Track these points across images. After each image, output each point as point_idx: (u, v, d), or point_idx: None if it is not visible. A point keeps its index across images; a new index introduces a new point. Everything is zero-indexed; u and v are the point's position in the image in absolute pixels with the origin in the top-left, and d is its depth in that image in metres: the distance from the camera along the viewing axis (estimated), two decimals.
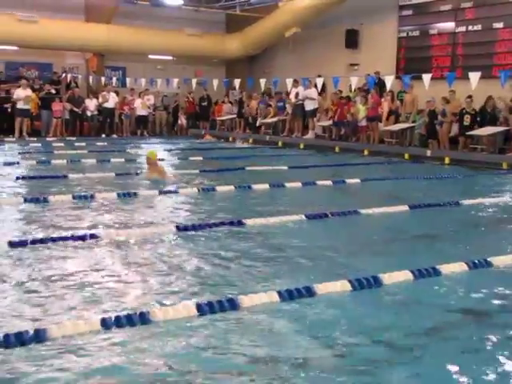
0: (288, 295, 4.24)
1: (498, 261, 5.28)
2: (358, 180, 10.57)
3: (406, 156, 14.96)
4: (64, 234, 6.00)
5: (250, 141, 19.14)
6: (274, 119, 19.86)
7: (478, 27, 16.88)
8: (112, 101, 20.53)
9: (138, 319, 3.74)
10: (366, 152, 15.88)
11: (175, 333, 3.66)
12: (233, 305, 4.04)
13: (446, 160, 14.08)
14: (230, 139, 20.00)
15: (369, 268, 5.01)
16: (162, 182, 9.73)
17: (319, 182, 10.13)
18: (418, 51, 18.50)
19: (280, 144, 18.19)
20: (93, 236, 5.90)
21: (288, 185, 9.80)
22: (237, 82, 20.47)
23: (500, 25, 16.32)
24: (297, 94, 18.63)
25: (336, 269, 5.06)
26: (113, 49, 21.71)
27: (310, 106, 18.23)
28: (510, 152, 13.93)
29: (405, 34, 18.91)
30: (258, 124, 20.34)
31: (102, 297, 4.27)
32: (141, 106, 21.16)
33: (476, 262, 5.15)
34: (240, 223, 6.70)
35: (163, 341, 3.53)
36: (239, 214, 7.22)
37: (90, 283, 4.56)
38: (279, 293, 4.24)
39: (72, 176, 10.23)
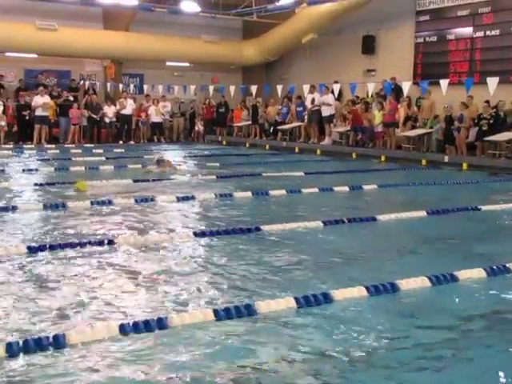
0: (305, 301, 4.24)
1: None
2: (375, 186, 10.54)
3: (424, 162, 14.89)
4: (82, 239, 6.05)
5: (267, 147, 19.17)
6: (292, 125, 19.86)
7: (496, 32, 16.77)
8: (129, 107, 20.68)
9: (155, 325, 3.77)
10: (383, 158, 15.82)
11: (194, 338, 3.68)
12: (250, 310, 4.05)
13: (464, 166, 14.01)
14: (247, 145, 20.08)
15: (386, 274, 5.00)
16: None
17: (336, 188, 10.12)
18: (435, 56, 18.41)
19: (297, 150, 18.19)
20: (110, 242, 5.96)
21: (305, 191, 9.80)
22: (254, 89, 20.50)
23: None
24: (313, 100, 18.62)
25: (353, 275, 5.06)
26: (130, 56, 21.88)
27: (326, 111, 18.20)
28: None
29: (422, 40, 18.83)
30: (273, 130, 20.38)
31: (120, 303, 4.30)
32: (155, 113, 21.29)
33: (495, 267, 5.11)
34: (257, 229, 6.72)
35: (181, 346, 3.56)
36: (256, 220, 7.23)
37: (107, 289, 4.60)
38: (296, 299, 4.25)
39: (89, 183, 10.31)
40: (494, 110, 14.66)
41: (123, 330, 3.69)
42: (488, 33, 16.98)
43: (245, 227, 6.80)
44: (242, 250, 5.88)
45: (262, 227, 6.77)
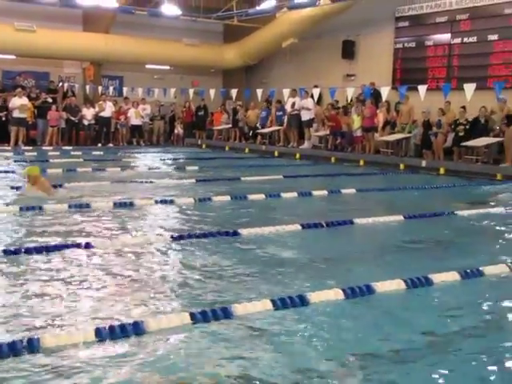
0: (282, 303, 4.26)
1: (490, 270, 5.32)
2: (353, 190, 10.61)
3: (402, 166, 15.05)
4: (58, 242, 6.01)
5: (247, 150, 19.22)
6: (272, 129, 19.92)
7: (474, 39, 17.00)
8: (109, 110, 20.58)
9: (132, 329, 3.76)
10: (361, 162, 15.96)
11: (169, 342, 3.68)
12: (227, 313, 4.06)
13: (441, 170, 14.19)
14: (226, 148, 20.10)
15: (362, 277, 5.04)
16: (44, 199, 8.49)
17: (315, 192, 10.16)
18: (414, 62, 18.60)
19: (276, 154, 18.25)
20: (87, 245, 5.92)
21: (284, 195, 9.84)
22: (234, 92, 20.53)
23: (495, 37, 16.43)
24: (293, 104, 18.70)
25: (330, 277, 5.08)
26: (110, 58, 21.78)
27: (306, 116, 18.30)
28: (503, 163, 13.98)
29: (401, 45, 19.02)
30: (253, 133, 20.45)
31: (95, 307, 4.28)
32: (134, 116, 21.22)
33: (468, 271, 5.19)
34: (235, 233, 6.73)
35: (158, 350, 3.55)
36: (235, 224, 7.25)
37: (83, 293, 4.58)
38: (273, 301, 4.27)
39: (69, 185, 10.24)
40: (474, 116, 14.84)
41: (99, 334, 3.68)
42: (465, 39, 17.21)
43: (223, 230, 6.79)
44: (220, 254, 5.88)
45: (240, 231, 6.77)
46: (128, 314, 4.11)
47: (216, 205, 9.02)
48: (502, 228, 7.81)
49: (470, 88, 14.16)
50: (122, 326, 3.76)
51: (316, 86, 18.90)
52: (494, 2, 16.43)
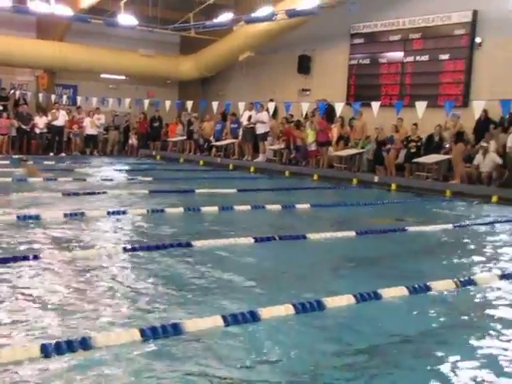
0: (232, 320, 4.25)
1: (438, 286, 5.44)
2: (307, 205, 10.68)
3: (355, 181, 15.27)
4: (5, 254, 5.87)
5: (201, 162, 19.18)
6: (227, 142, 19.95)
7: (426, 58, 17.46)
8: (62, 119, 20.27)
9: (79, 345, 3.68)
10: (315, 176, 16.11)
11: (117, 359, 3.63)
12: (177, 330, 4.03)
13: (393, 186, 14.44)
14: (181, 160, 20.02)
15: (314, 292, 5.08)
16: None
17: (268, 206, 10.20)
18: (368, 79, 18.95)
19: (231, 167, 18.27)
20: (35, 257, 5.80)
21: (237, 208, 9.84)
22: (189, 104, 20.50)
23: (446, 56, 16.92)
24: (249, 118, 18.78)
25: (282, 293, 5.10)
26: (63, 66, 21.49)
27: (261, 129, 18.40)
28: (452, 179, 14.35)
29: (356, 62, 19.35)
30: (208, 146, 20.45)
31: (41, 321, 4.19)
32: (90, 125, 20.96)
33: (416, 286, 5.29)
34: (188, 245, 6.70)
35: (106, 367, 3.50)
36: (188, 236, 7.21)
37: (29, 307, 4.47)
38: (223, 317, 4.26)
39: (16, 195, 10.03)
40: (427, 133, 15.19)
41: (45, 350, 3.59)
42: (418, 58, 17.65)
43: (176, 242, 6.75)
44: (172, 267, 5.84)
45: (193, 243, 6.75)
46: (75, 329, 4.04)
47: (169, 217, 8.97)
48: (450, 244, 8.01)
49: (421, 106, 14.55)
50: (69, 343, 3.69)
51: (272, 100, 19.05)
52: (444, 23, 16.92)
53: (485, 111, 14.50)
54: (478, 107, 13.96)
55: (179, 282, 5.32)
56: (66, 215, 8.28)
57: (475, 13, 16.29)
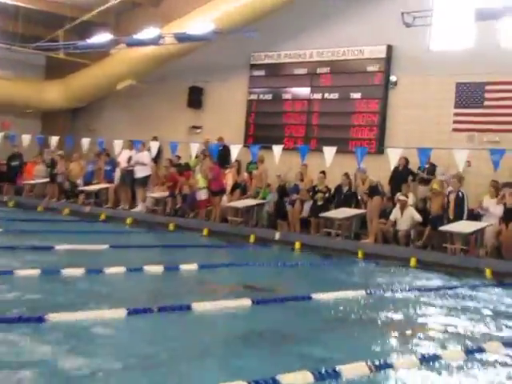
0: None
1: (349, 370, 5.34)
2: (194, 266, 10.54)
3: (252, 238, 15.18)
4: None
5: (66, 211, 18.60)
6: (99, 186, 19.54)
7: (335, 95, 17.97)
8: None
9: None
10: (205, 232, 15.94)
11: None
12: None
13: (297, 245, 14.49)
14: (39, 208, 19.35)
15: (196, 379, 4.91)
16: None
17: (147, 268, 9.97)
18: (269, 117, 19.23)
19: (103, 217, 17.84)
20: None
21: (108, 270, 9.53)
22: (54, 140, 19.97)
23: (357, 95, 17.52)
24: (129, 159, 18.53)
25: (157, 377, 4.93)
26: None
27: (140, 172, 18.19)
28: (365, 238, 14.60)
29: (255, 97, 19.65)
30: (75, 191, 20.00)
31: None
32: None
33: (323, 372, 5.17)
34: (40, 319, 6.33)
35: None
36: (41, 307, 6.85)
37: None
38: None
39: None
40: (336, 182, 15.51)
41: None
42: (326, 95, 18.14)
43: (25, 316, 6.39)
44: (19, 347, 5.47)
45: (46, 317, 6.38)
46: None
47: (20, 281, 8.52)
48: (363, 315, 8.05)
49: (329, 151, 14.77)
50: None
51: (155, 138, 18.92)
52: (355, 58, 17.56)
53: (405, 159, 15.02)
54: (393, 155, 14.38)
55: (25, 367, 4.94)
56: None
57: (390, 48, 17.06)
